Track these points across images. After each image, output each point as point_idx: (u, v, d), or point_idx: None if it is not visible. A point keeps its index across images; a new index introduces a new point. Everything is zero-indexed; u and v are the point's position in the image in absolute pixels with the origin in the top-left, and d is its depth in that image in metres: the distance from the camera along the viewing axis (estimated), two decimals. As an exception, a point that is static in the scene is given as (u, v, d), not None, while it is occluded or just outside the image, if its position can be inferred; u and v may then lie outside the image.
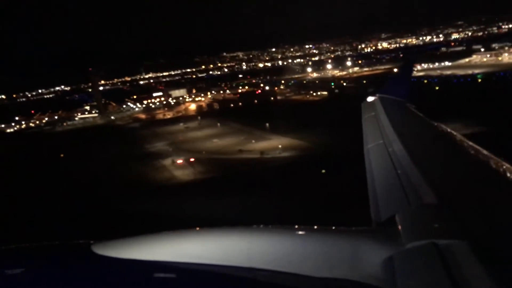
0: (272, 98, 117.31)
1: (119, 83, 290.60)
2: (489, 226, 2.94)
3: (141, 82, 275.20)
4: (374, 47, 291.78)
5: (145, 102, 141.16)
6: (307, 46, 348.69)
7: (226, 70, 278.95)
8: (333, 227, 3.03)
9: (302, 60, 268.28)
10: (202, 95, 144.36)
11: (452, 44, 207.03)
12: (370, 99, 9.98)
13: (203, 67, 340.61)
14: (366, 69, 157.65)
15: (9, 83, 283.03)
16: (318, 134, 65.45)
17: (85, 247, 2.89)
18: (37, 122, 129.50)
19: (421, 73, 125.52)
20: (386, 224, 3.39)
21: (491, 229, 2.89)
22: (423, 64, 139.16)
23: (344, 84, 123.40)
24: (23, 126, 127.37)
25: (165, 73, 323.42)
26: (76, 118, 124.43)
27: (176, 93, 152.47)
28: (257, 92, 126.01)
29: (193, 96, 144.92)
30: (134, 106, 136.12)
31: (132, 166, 64.15)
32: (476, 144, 5.47)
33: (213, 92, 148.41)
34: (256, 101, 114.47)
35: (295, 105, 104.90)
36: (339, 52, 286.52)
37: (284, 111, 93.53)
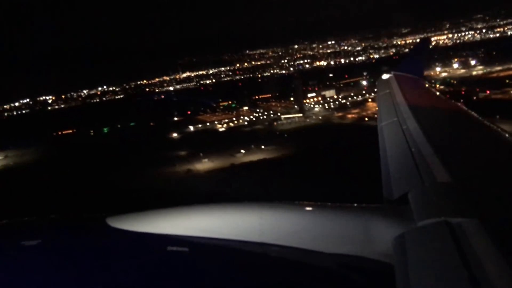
0: (474, 98, 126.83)
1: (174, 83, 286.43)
2: (502, 205, 3.01)
3: (208, 82, 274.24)
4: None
5: (308, 101, 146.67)
6: (329, 42, 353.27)
7: (291, 69, 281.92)
8: (345, 204, 3.14)
9: (372, 56, 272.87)
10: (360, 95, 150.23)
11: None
12: (385, 76, 10.09)
13: (238, 65, 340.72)
14: (497, 68, 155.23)
15: (46, 83, 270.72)
16: None
17: (100, 220, 3.05)
18: (231, 122, 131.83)
19: None
20: (398, 201, 3.44)
21: (504, 208, 2.94)
22: None
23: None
24: (225, 125, 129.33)
25: (202, 72, 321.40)
26: (282, 118, 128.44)
27: (327, 93, 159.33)
28: (462, 93, 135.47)
29: (352, 97, 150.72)
30: (313, 106, 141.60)
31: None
32: (492, 123, 5.59)
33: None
34: (462, 100, 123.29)
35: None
36: (387, 49, 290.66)
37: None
